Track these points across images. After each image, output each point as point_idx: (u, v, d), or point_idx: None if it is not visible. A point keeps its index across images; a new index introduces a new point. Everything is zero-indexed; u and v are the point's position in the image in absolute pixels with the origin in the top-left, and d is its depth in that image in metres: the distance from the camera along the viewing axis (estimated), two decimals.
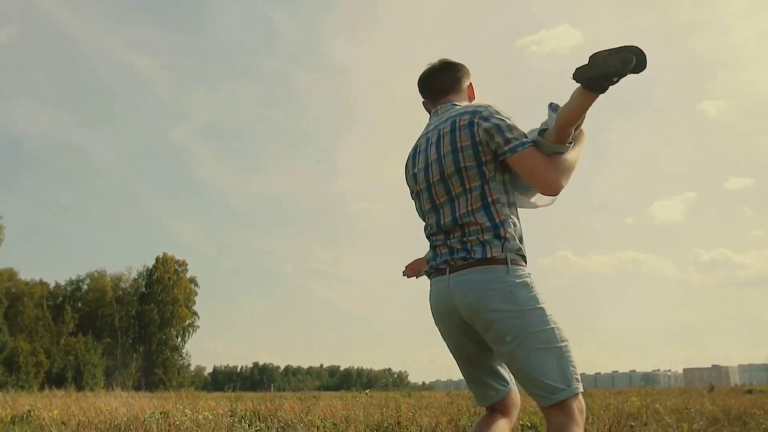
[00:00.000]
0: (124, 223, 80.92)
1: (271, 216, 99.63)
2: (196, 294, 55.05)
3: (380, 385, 70.94)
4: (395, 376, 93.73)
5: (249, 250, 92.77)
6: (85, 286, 53.72)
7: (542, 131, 1.90)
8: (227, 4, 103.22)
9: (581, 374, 1.86)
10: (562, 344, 1.80)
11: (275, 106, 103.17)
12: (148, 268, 53.86)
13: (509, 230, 1.85)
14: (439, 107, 2.07)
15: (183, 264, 54.54)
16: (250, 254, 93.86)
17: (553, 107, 1.90)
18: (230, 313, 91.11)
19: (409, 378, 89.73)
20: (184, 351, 54.02)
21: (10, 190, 68.77)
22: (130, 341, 51.62)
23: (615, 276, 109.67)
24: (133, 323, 52.28)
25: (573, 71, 1.72)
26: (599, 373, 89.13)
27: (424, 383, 71.02)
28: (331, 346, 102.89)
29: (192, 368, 59.69)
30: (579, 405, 1.80)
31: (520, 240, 1.89)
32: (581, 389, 1.80)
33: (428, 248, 2.07)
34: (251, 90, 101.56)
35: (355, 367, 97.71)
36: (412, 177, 2.05)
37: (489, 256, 1.82)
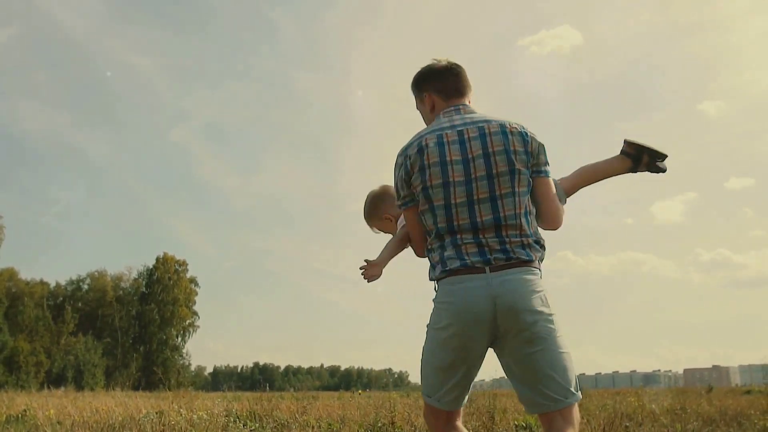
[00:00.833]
0: (124, 223, 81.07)
1: (271, 216, 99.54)
2: (197, 294, 55.18)
3: (381, 385, 70.93)
4: (396, 376, 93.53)
5: (249, 250, 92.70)
6: (86, 286, 53.83)
7: None
8: (227, 4, 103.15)
9: (582, 374, 1.93)
10: (569, 351, 1.89)
11: (275, 106, 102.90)
12: (148, 268, 53.95)
13: (542, 239, 1.96)
14: (460, 106, 2.04)
15: (183, 264, 54.64)
16: (250, 254, 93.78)
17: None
18: (230, 313, 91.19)
19: (410, 378, 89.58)
20: (184, 351, 54.16)
21: (10, 189, 68.84)
22: (131, 341, 51.70)
23: (615, 276, 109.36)
24: (134, 323, 52.34)
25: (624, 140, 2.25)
26: (600, 373, 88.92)
27: None
28: (331, 346, 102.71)
29: (192, 368, 59.87)
30: (577, 412, 1.89)
31: None
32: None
33: (428, 249, 2.02)
34: (251, 90, 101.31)
35: (356, 367, 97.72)
36: (438, 165, 1.92)
37: (533, 258, 1.89)
